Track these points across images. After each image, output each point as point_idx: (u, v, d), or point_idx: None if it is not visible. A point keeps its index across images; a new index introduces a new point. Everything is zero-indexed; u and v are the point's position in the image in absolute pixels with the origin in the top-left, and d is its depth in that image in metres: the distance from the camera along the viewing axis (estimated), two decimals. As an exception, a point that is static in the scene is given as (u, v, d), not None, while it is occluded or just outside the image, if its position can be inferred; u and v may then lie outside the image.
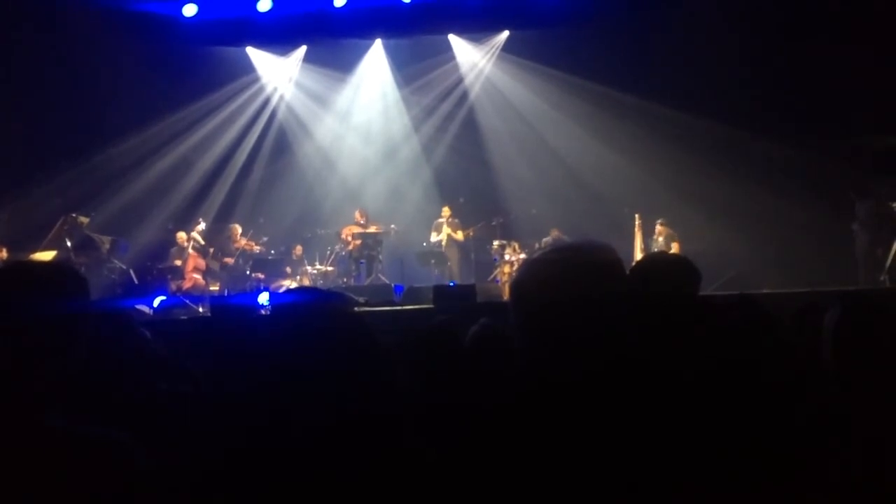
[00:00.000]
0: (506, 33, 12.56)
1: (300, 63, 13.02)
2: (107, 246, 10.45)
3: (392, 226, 11.86)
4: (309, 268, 11.60)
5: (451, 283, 10.62)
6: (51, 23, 10.63)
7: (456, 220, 11.89)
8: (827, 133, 10.41)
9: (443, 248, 11.78)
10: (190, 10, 11.89)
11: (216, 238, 11.76)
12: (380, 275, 11.43)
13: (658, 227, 10.58)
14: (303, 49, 12.93)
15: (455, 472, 1.45)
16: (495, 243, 11.31)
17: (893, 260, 9.21)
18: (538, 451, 1.38)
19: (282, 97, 13.18)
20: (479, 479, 1.41)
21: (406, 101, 13.09)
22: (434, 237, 11.94)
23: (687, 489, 1.37)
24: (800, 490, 1.51)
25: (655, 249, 10.22)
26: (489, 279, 11.26)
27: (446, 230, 11.79)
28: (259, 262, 11.42)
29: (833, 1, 10.36)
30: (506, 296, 9.55)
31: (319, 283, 11.20)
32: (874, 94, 10.11)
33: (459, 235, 11.81)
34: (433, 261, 11.83)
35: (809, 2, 10.46)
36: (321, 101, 13.13)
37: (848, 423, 1.89)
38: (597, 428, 1.39)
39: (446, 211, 11.92)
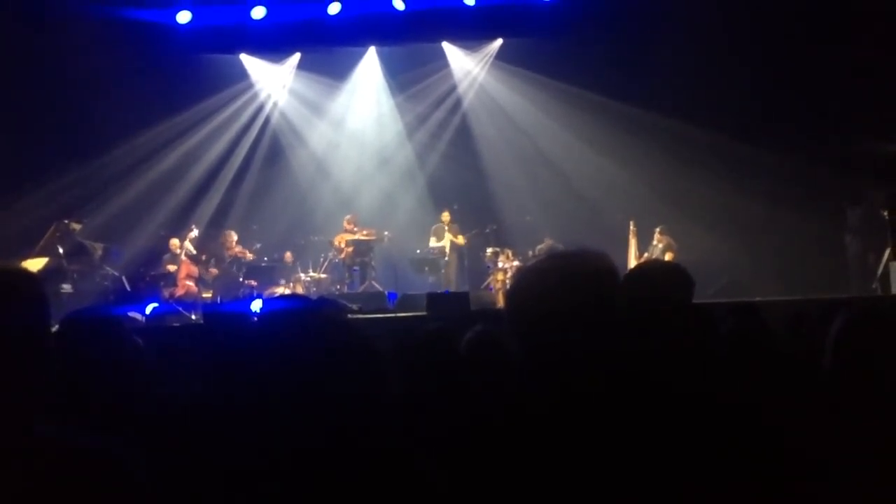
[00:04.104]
0: (499, 41, 12.59)
1: (294, 70, 13.02)
2: (99, 253, 10.41)
3: (385, 233, 11.83)
4: (302, 275, 11.57)
5: (445, 291, 10.61)
6: (43, 29, 10.59)
7: (455, 225, 11.84)
8: (819, 140, 10.46)
9: (446, 254, 11.72)
10: (184, 18, 11.89)
11: (210, 245, 11.72)
12: (373, 282, 11.40)
13: (657, 236, 10.55)
14: (297, 56, 12.93)
15: (451, 479, 1.44)
16: (489, 251, 11.28)
17: (885, 267, 9.25)
18: (535, 457, 1.38)
19: (275, 104, 13.17)
20: (475, 487, 1.41)
21: (400, 108, 13.09)
22: (434, 242, 11.82)
23: (686, 494, 1.36)
24: (800, 499, 1.51)
25: (655, 256, 10.21)
26: (482, 287, 11.23)
27: (448, 236, 11.73)
28: (252, 269, 11.37)
29: (827, 8, 10.41)
30: (499, 303, 9.55)
31: (313, 291, 11.17)
32: (866, 101, 10.17)
33: (461, 240, 11.76)
34: (427, 268, 11.80)
35: (804, 10, 10.50)
36: (315, 108, 13.13)
37: (847, 428, 1.89)
38: (594, 434, 1.38)
39: (446, 216, 11.82)
